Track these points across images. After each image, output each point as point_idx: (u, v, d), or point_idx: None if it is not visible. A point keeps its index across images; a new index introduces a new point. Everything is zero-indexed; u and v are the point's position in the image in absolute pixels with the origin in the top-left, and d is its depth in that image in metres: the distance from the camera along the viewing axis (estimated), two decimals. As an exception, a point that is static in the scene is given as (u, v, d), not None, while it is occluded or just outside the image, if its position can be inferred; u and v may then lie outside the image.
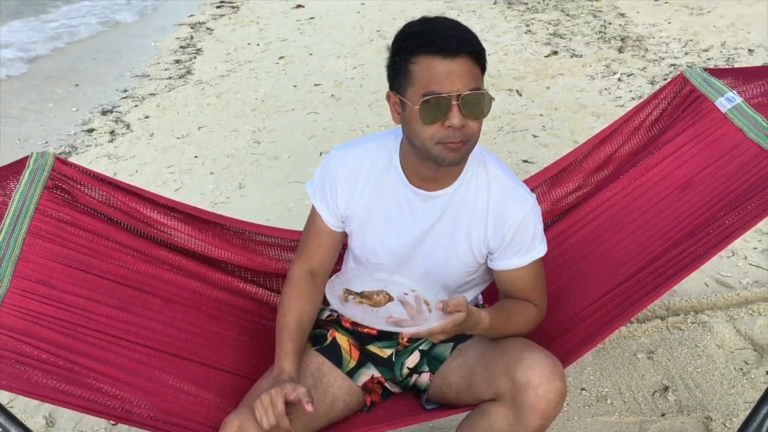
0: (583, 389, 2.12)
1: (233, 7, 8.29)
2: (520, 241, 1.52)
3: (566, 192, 1.98)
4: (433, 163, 1.41)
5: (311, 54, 6.01)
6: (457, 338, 1.60)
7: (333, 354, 1.62)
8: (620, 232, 1.83)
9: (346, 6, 7.73)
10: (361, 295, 1.38)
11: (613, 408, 2.04)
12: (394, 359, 1.65)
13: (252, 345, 1.76)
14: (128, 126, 4.67)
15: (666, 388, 2.10)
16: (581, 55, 5.33)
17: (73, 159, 4.06)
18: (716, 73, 1.95)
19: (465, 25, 1.37)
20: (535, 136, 4.00)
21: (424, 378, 1.64)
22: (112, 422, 2.04)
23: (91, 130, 4.63)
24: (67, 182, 1.67)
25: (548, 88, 4.74)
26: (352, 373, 1.61)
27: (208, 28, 7.35)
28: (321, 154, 3.97)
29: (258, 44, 6.51)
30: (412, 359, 1.64)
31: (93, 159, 4.11)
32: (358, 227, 1.58)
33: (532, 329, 1.56)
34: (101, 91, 5.53)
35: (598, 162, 2.00)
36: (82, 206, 1.67)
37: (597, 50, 5.40)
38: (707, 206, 1.72)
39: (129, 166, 4.00)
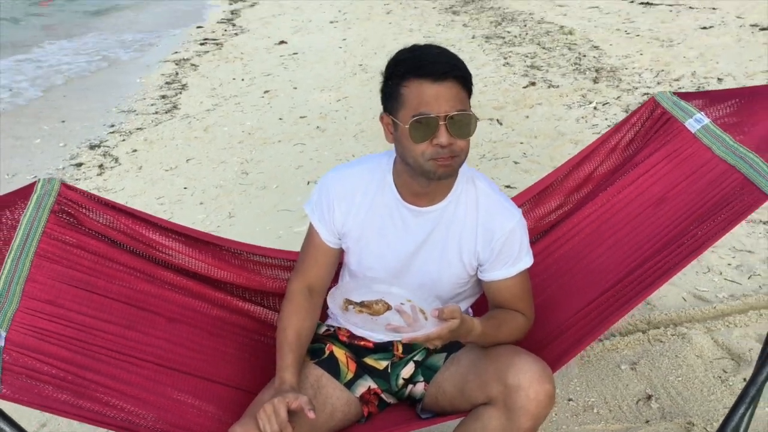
0: (570, 400, 2.19)
1: (217, 44, 8.42)
2: (508, 253, 1.60)
3: (549, 210, 2.08)
4: (425, 178, 1.49)
5: (296, 88, 6.13)
6: (450, 348, 1.67)
7: (331, 366, 1.67)
8: (600, 245, 1.93)
9: (329, 41, 7.91)
10: (361, 304, 1.46)
11: (600, 417, 2.12)
12: (389, 371, 1.71)
13: (251, 360, 1.82)
14: (116, 159, 4.72)
15: (649, 397, 2.18)
16: (558, 86, 5.49)
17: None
18: (685, 96, 2.06)
19: (453, 52, 1.49)
20: (516, 163, 4.13)
21: (419, 388, 1.70)
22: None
23: (79, 164, 4.68)
24: (72, 207, 1.72)
25: (527, 117, 4.89)
26: (349, 385, 1.67)
27: (192, 65, 7.46)
28: (308, 183, 4.05)
29: (243, 79, 6.63)
30: (407, 370, 1.71)
31: (83, 192, 4.15)
32: (355, 243, 1.66)
33: (520, 337, 1.64)
34: (88, 126, 5.59)
35: (578, 181, 2.10)
36: (88, 229, 1.72)
37: (573, 81, 5.58)
38: (680, 219, 1.82)
39: (119, 198, 4.03)
